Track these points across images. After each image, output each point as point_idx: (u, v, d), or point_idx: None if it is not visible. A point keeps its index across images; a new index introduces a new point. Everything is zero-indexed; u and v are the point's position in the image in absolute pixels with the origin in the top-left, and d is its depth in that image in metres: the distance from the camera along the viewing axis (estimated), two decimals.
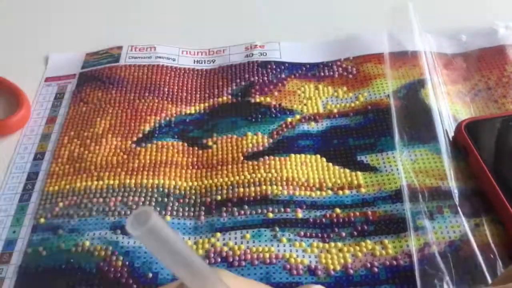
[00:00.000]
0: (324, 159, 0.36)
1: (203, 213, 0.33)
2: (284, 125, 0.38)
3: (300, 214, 0.33)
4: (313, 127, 0.38)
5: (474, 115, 0.37)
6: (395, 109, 0.37)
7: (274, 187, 0.34)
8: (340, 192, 0.34)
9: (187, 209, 0.34)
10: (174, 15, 0.50)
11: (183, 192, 0.35)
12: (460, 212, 0.31)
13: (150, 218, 0.14)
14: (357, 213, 0.33)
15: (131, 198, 0.34)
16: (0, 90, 0.43)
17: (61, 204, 0.34)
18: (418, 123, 0.36)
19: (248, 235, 0.32)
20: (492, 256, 0.29)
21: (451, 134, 0.36)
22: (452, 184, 0.33)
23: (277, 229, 0.32)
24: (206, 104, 0.41)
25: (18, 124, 0.40)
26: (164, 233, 0.14)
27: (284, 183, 0.34)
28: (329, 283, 0.29)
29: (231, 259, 0.31)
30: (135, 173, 0.36)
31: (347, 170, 0.35)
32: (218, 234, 0.32)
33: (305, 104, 0.40)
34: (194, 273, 0.15)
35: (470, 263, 0.29)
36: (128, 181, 0.35)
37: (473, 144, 0.33)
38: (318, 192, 0.34)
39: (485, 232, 0.30)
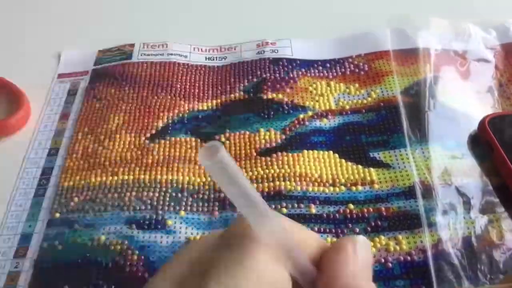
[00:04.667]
0: (336, 155, 0.36)
1: (217, 208, 0.34)
2: (296, 122, 0.38)
3: (313, 209, 0.33)
4: (325, 123, 0.38)
5: (486, 112, 0.37)
6: (409, 106, 0.37)
7: (288, 182, 0.34)
8: (353, 188, 0.34)
9: (201, 204, 0.34)
10: (185, 12, 0.51)
11: (196, 187, 0.35)
12: (474, 208, 0.31)
13: (220, 151, 0.15)
14: (371, 209, 0.33)
15: (145, 193, 0.34)
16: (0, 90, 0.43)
17: (76, 199, 0.35)
18: None
19: None
20: (506, 251, 0.29)
21: (465, 130, 0.36)
22: (466, 180, 0.33)
23: None
24: (219, 101, 0.41)
25: (17, 124, 0.40)
26: (230, 167, 0.16)
27: (298, 179, 0.34)
28: None
29: None
30: (149, 168, 0.36)
31: (360, 167, 0.35)
32: None
33: (317, 101, 0.40)
34: (253, 208, 0.17)
35: (485, 258, 0.29)
36: (142, 176, 0.35)
37: (497, 139, 0.33)
38: (332, 188, 0.34)
39: (500, 228, 0.30)
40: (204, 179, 0.35)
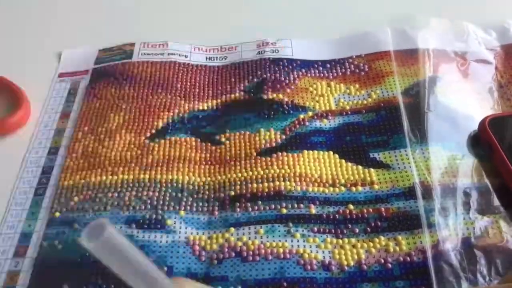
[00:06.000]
0: (336, 156, 0.36)
1: (217, 208, 0.34)
2: (296, 122, 0.38)
3: (313, 210, 0.33)
4: (325, 123, 0.38)
5: (486, 113, 0.37)
6: (409, 106, 0.37)
7: (288, 183, 0.34)
8: (353, 188, 0.34)
9: (201, 204, 0.34)
10: (186, 12, 0.51)
11: (196, 187, 0.35)
12: (474, 209, 0.31)
13: (105, 230, 0.14)
14: (370, 210, 0.33)
15: (145, 192, 0.34)
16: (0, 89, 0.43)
17: (76, 199, 0.35)
18: None
19: (261, 230, 0.32)
20: (506, 252, 0.29)
21: (465, 131, 0.36)
22: (466, 181, 0.33)
23: (291, 224, 0.32)
24: (219, 100, 0.41)
25: (17, 123, 0.40)
26: (118, 246, 0.14)
27: (297, 179, 0.34)
28: (343, 279, 0.29)
29: (245, 254, 0.31)
30: (149, 168, 0.36)
31: (360, 167, 0.35)
32: (232, 229, 0.32)
33: (317, 101, 0.40)
34: (151, 285, 0.16)
35: (484, 259, 0.29)
36: (142, 176, 0.35)
37: (497, 140, 0.33)
38: (331, 188, 0.34)
39: (500, 229, 0.30)
40: (204, 179, 0.35)
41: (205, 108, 0.40)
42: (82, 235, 0.14)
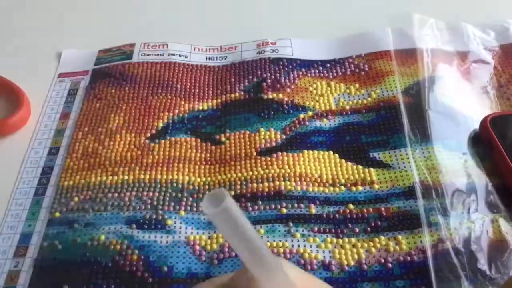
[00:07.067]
0: (336, 156, 0.36)
1: None
2: (296, 122, 0.38)
3: (313, 209, 0.33)
4: (325, 123, 0.38)
5: (486, 113, 0.37)
6: (409, 106, 0.37)
7: (288, 182, 0.34)
8: (353, 188, 0.34)
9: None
10: (186, 12, 0.51)
11: (197, 187, 0.35)
12: (474, 208, 0.31)
13: (225, 200, 0.15)
14: (371, 209, 0.33)
15: (145, 193, 0.34)
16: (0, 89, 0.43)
17: (76, 199, 0.35)
18: None
19: (262, 230, 0.32)
20: (507, 252, 0.29)
21: (466, 130, 0.36)
22: (466, 180, 0.33)
23: (291, 224, 0.32)
24: (219, 100, 0.41)
25: (17, 124, 0.40)
26: (234, 216, 0.15)
27: (298, 179, 0.34)
28: (344, 278, 0.30)
29: None
30: (149, 168, 0.36)
31: (360, 167, 0.35)
32: None
33: (317, 101, 0.40)
34: (258, 258, 0.17)
35: (484, 258, 0.29)
36: (142, 176, 0.35)
37: (498, 138, 0.33)
38: (331, 188, 0.34)
39: (500, 228, 0.30)
40: (204, 179, 0.35)
41: (205, 108, 0.40)
42: (203, 202, 0.15)
